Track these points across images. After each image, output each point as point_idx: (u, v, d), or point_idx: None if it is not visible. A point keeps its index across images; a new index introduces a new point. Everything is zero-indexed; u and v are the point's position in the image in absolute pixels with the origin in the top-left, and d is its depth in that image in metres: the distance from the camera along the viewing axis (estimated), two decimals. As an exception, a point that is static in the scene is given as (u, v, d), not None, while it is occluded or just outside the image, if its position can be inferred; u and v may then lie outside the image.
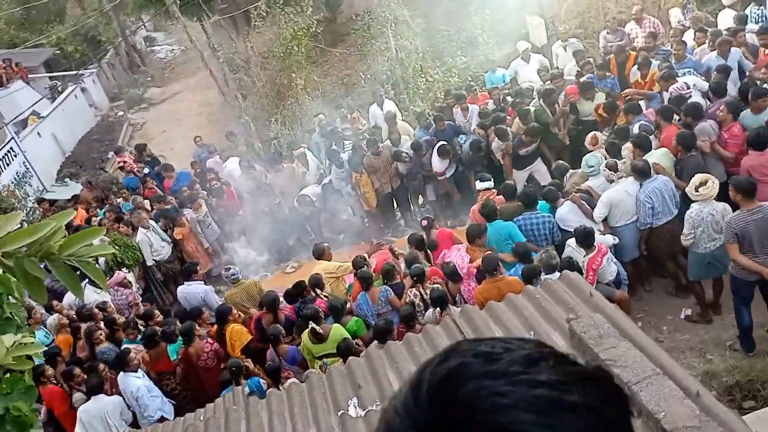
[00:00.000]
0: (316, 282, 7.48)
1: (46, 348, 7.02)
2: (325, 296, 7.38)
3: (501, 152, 9.40)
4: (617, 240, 6.94)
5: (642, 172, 6.92)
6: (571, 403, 0.64)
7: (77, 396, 6.87)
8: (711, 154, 7.28)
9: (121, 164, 13.44)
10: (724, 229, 6.05)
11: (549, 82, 10.13)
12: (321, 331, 6.33)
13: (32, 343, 2.49)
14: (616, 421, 0.67)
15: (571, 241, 6.62)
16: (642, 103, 8.76)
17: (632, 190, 6.96)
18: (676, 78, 8.46)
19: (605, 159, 7.52)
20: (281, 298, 7.48)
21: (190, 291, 8.63)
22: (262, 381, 6.34)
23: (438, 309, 6.26)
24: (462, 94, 10.63)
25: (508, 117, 9.79)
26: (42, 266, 1.91)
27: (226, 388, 6.29)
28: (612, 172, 7.13)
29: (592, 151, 8.02)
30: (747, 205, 5.80)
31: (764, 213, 5.75)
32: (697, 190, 6.28)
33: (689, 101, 7.86)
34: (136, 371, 6.75)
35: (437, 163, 9.79)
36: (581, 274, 5.94)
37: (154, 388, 6.87)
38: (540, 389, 0.64)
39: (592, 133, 8.49)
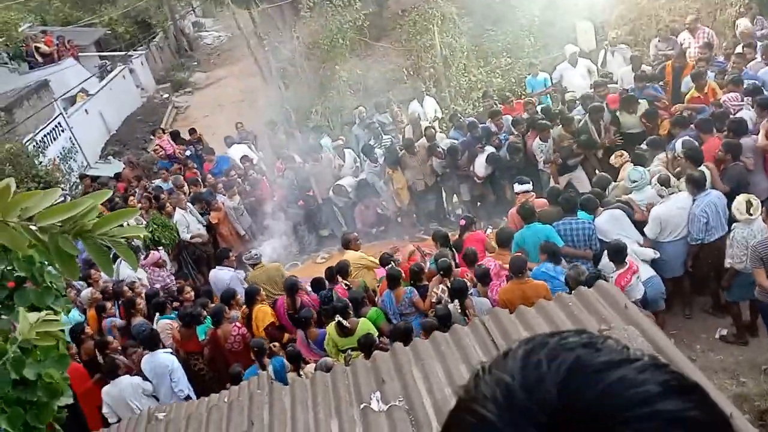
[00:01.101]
0: (341, 269, 7.60)
1: (70, 325, 7.18)
2: (346, 285, 7.46)
3: (544, 157, 9.30)
4: (658, 254, 6.73)
5: (698, 185, 6.69)
6: (690, 384, 0.63)
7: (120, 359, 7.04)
8: (756, 171, 7.11)
9: (156, 148, 13.66)
10: (749, 254, 5.88)
11: (593, 90, 9.97)
12: (348, 324, 6.36)
13: (56, 320, 2.55)
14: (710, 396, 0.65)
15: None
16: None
17: (683, 204, 6.74)
18: (743, 84, 8.26)
19: (648, 173, 7.35)
20: (308, 287, 7.59)
21: (218, 276, 8.78)
22: (286, 363, 6.45)
23: (457, 301, 6.27)
24: (498, 111, 10.44)
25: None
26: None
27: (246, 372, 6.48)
28: (663, 188, 6.90)
29: (621, 165, 7.93)
30: None
31: None
32: (749, 213, 6.09)
33: (735, 116, 7.67)
34: (165, 348, 6.89)
35: (481, 169, 9.74)
36: None
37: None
38: (660, 374, 0.61)
39: (618, 152, 8.39)
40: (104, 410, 6.42)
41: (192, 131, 14.20)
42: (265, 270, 8.47)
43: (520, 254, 6.45)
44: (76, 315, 8.18)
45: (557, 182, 9.20)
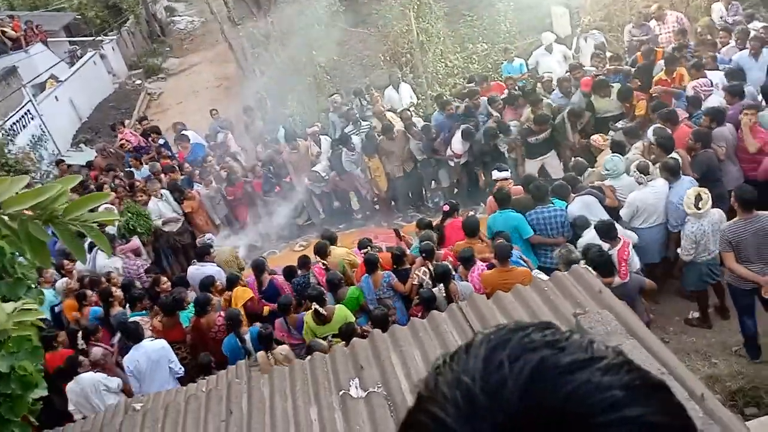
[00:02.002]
0: (319, 249, 7.70)
1: (47, 317, 7.05)
2: (323, 264, 7.51)
3: (507, 146, 9.38)
4: (637, 239, 6.77)
5: (673, 172, 6.78)
6: (658, 382, 0.62)
7: (95, 350, 6.92)
8: (728, 159, 7.21)
9: (122, 142, 13.43)
10: (719, 239, 6.00)
11: (569, 72, 10.05)
12: (324, 312, 6.37)
13: (35, 309, 2.50)
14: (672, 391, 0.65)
15: (587, 237, 6.54)
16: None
17: (660, 191, 6.82)
18: (704, 69, 8.35)
19: (622, 162, 7.43)
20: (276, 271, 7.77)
21: (204, 272, 8.61)
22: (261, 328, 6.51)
23: (442, 285, 6.30)
24: (476, 91, 10.47)
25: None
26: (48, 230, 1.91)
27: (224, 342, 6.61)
28: (642, 175, 6.94)
29: (600, 151, 8.01)
30: (744, 214, 5.77)
31: (762, 223, 5.73)
32: (697, 207, 6.20)
33: (710, 102, 7.78)
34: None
35: (458, 145, 9.75)
36: (613, 266, 5.91)
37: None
38: (626, 375, 0.60)
39: (595, 136, 8.47)
40: (70, 407, 6.28)
41: (142, 119, 14.04)
42: (218, 253, 8.72)
43: (503, 241, 6.49)
44: (51, 296, 8.08)
45: (522, 165, 9.25)
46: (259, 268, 7.72)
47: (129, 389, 6.59)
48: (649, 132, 7.79)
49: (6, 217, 1.68)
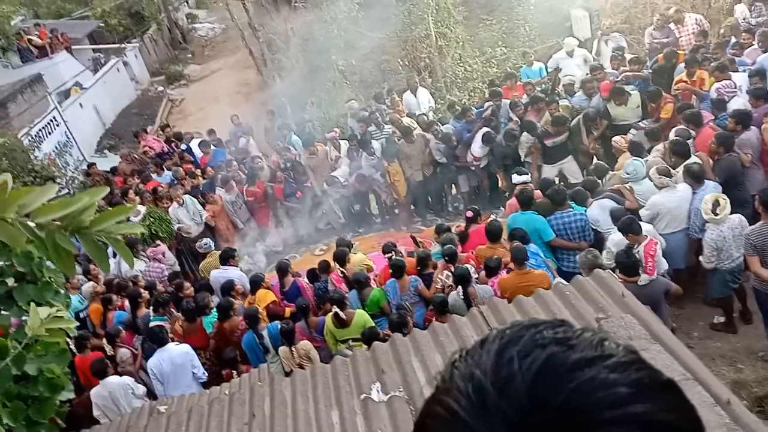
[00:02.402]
0: (339, 257, 7.70)
1: (77, 324, 7.16)
2: (341, 272, 7.53)
3: (527, 148, 9.33)
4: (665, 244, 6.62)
5: (696, 177, 6.66)
6: (664, 383, 0.63)
7: (122, 352, 7.00)
8: (753, 164, 7.06)
9: (145, 149, 13.62)
10: (744, 243, 5.90)
11: (589, 74, 10.01)
12: (344, 316, 6.41)
13: (66, 317, 2.55)
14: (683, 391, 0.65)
15: (612, 240, 6.48)
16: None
17: (684, 196, 6.69)
18: (729, 71, 8.22)
19: (643, 166, 7.33)
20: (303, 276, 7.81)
21: (227, 276, 8.62)
22: (281, 326, 6.64)
23: (460, 288, 6.28)
24: (498, 92, 10.49)
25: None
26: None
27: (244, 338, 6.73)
28: (663, 178, 6.82)
29: (621, 152, 7.93)
30: None
31: None
32: (715, 213, 6.11)
33: (734, 105, 7.66)
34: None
35: (477, 149, 9.75)
36: (640, 265, 5.85)
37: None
38: (634, 373, 0.61)
39: (617, 137, 8.37)
40: (95, 412, 6.32)
41: (164, 127, 14.22)
42: (216, 257, 8.85)
43: (518, 244, 6.46)
44: (77, 302, 8.19)
45: (535, 169, 9.22)
46: (282, 269, 7.77)
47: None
48: (671, 135, 7.71)
49: (34, 227, 1.73)
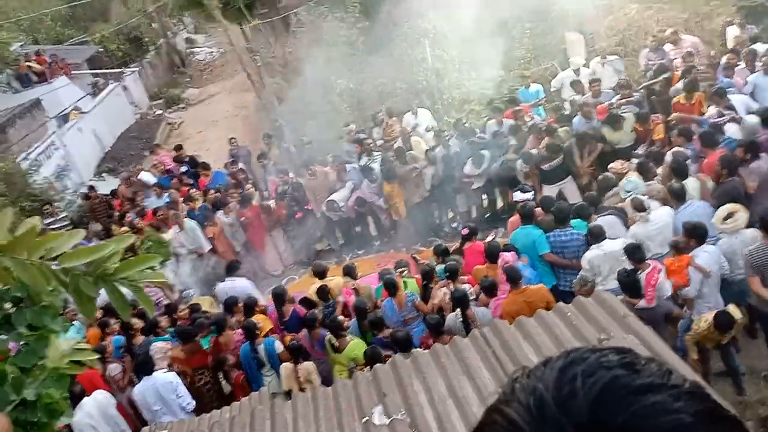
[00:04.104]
0: (349, 270, 7.90)
1: (98, 356, 7.16)
2: (354, 287, 7.63)
3: (524, 173, 9.43)
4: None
5: (677, 196, 6.74)
6: (726, 415, 0.63)
7: (112, 367, 6.95)
8: (762, 189, 6.94)
9: (156, 163, 13.69)
10: (744, 263, 5.89)
11: (587, 92, 10.15)
12: (336, 344, 6.48)
13: (88, 350, 2.56)
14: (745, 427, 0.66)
15: (584, 259, 6.50)
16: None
17: (662, 222, 6.71)
18: (727, 95, 8.28)
19: (642, 184, 7.35)
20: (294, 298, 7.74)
21: (235, 287, 8.60)
22: (277, 343, 6.73)
23: (459, 310, 6.26)
24: (500, 108, 10.62)
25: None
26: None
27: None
28: (637, 213, 6.78)
29: (622, 176, 7.96)
30: None
31: None
32: (725, 222, 6.12)
33: (728, 131, 7.68)
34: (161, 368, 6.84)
35: (468, 167, 9.94)
36: (641, 289, 5.84)
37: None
38: (697, 403, 0.62)
39: (614, 163, 8.38)
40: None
41: (178, 147, 14.26)
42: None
43: (510, 266, 6.47)
44: (74, 332, 8.12)
45: (540, 192, 9.25)
46: (280, 297, 7.61)
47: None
48: (668, 156, 7.74)
49: (59, 270, 1.76)
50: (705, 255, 5.98)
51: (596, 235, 6.58)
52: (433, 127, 12.03)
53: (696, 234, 6.06)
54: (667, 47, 10.87)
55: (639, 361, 0.65)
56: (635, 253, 6.15)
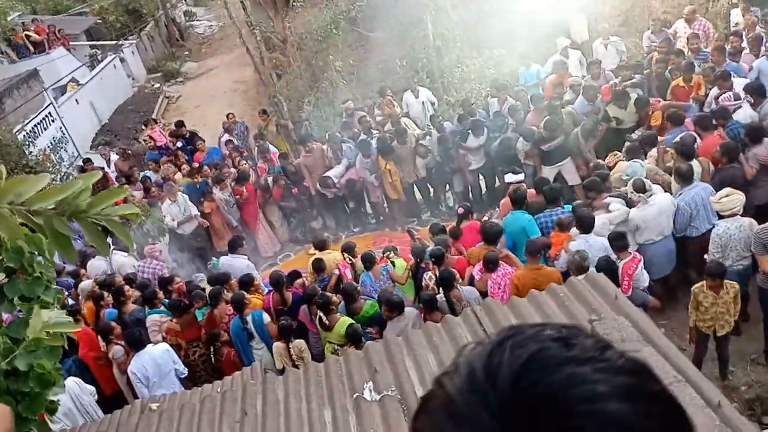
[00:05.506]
0: (348, 248, 8.07)
1: (78, 330, 7.20)
2: (350, 260, 7.80)
3: (525, 153, 9.38)
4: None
5: (684, 177, 6.72)
6: (653, 392, 0.64)
7: (116, 349, 6.99)
8: (762, 174, 6.94)
9: (146, 138, 13.63)
10: (753, 242, 5.90)
11: (587, 75, 10.07)
12: (327, 322, 6.52)
13: (69, 321, 2.55)
14: (682, 408, 0.66)
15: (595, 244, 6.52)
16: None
17: (664, 206, 6.71)
18: (731, 78, 8.20)
19: (643, 167, 7.32)
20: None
21: (233, 264, 8.65)
22: (265, 315, 6.83)
23: (443, 289, 6.38)
24: (504, 85, 10.62)
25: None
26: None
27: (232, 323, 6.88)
28: (638, 194, 6.78)
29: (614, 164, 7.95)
30: None
31: None
32: (721, 201, 6.14)
33: (739, 115, 7.62)
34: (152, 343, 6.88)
35: (473, 141, 9.88)
36: (617, 276, 5.87)
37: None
38: (623, 377, 0.62)
39: (609, 155, 8.36)
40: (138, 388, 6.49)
41: (179, 124, 14.15)
42: None
43: (535, 239, 6.60)
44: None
45: (540, 172, 9.23)
46: (279, 283, 7.47)
47: None
48: (669, 140, 7.71)
49: (30, 214, 1.72)
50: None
51: (585, 225, 6.56)
52: (433, 102, 11.98)
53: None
54: (677, 25, 10.72)
55: (575, 336, 0.66)
56: (617, 240, 6.20)
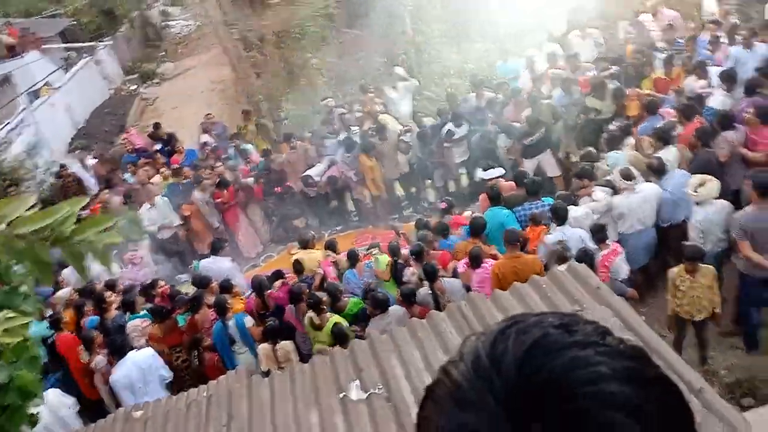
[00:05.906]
0: (330, 245, 8.13)
1: (44, 320, 7.13)
2: (333, 261, 7.83)
3: (505, 150, 9.45)
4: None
5: (657, 171, 6.87)
6: (653, 376, 0.65)
7: (98, 359, 6.90)
8: (734, 159, 7.10)
9: (124, 141, 13.49)
10: (732, 227, 5.99)
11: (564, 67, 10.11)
12: (318, 321, 6.50)
13: (20, 317, 2.51)
14: (680, 392, 0.67)
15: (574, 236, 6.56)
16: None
17: (648, 195, 6.81)
18: (708, 67, 8.33)
19: (623, 156, 7.42)
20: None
21: (214, 266, 8.56)
22: (247, 318, 6.80)
23: (428, 282, 6.43)
24: (482, 81, 10.63)
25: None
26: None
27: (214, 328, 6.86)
28: (625, 181, 6.87)
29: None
30: (761, 202, 5.74)
31: None
32: (696, 191, 6.22)
33: (713, 102, 7.75)
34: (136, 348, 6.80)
35: (459, 131, 9.92)
36: (594, 268, 5.90)
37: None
38: (624, 361, 0.64)
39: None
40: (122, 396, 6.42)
41: (157, 126, 14.01)
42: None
43: (513, 228, 6.62)
44: (43, 328, 7.89)
45: (521, 165, 9.29)
46: (261, 287, 7.37)
47: None
48: (645, 128, 7.80)
49: (12, 237, 1.71)
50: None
51: (560, 217, 6.61)
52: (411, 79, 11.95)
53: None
54: (646, 18, 10.85)
55: (576, 323, 0.68)
56: (597, 232, 6.27)
